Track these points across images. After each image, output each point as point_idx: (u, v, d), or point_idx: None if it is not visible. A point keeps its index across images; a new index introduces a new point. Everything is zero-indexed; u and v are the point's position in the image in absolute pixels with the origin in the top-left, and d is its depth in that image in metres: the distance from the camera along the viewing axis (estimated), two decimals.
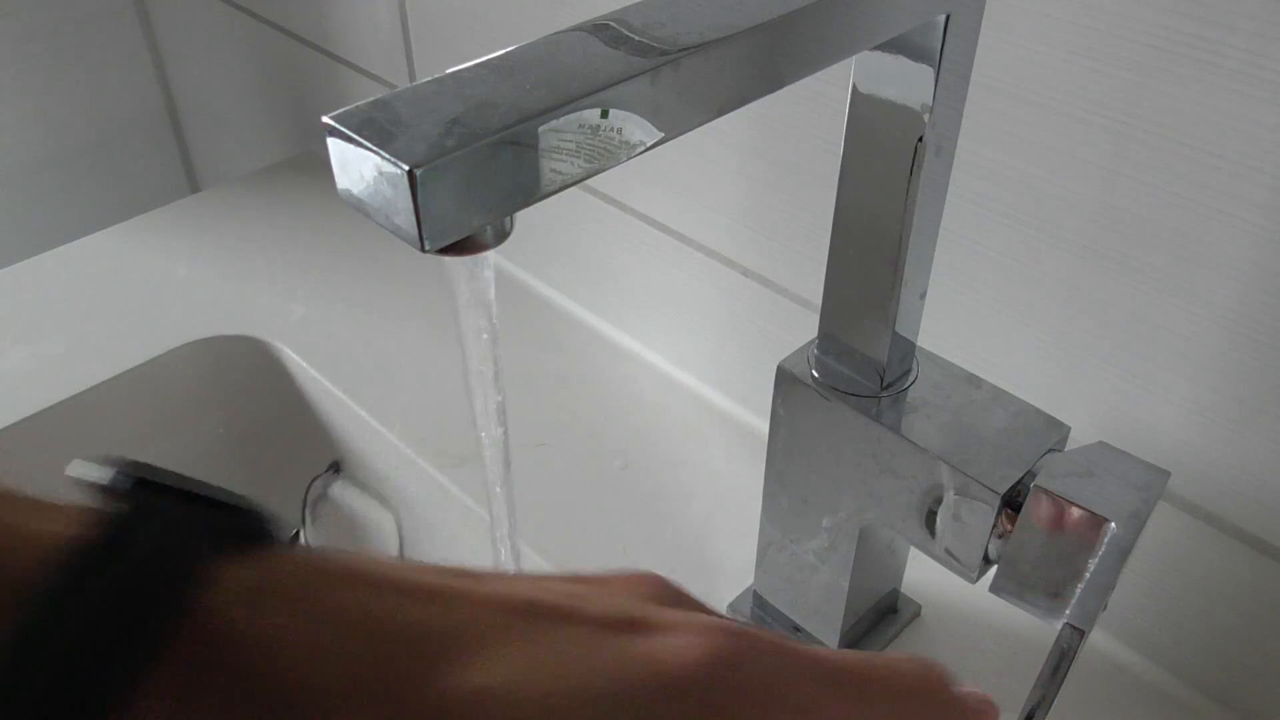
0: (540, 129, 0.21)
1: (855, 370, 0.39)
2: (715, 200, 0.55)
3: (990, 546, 0.36)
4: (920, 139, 0.33)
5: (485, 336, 0.25)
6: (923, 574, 0.49)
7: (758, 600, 0.48)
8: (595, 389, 0.63)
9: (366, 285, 0.71)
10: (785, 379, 0.40)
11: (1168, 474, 0.34)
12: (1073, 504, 0.33)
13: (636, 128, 0.23)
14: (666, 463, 0.58)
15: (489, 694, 0.18)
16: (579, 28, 0.24)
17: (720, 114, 0.25)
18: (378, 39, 0.73)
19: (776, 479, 0.43)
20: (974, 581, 0.37)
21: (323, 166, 0.83)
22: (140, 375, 0.64)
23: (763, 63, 0.25)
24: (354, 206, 0.21)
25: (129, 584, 0.17)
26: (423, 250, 0.21)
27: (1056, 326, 0.43)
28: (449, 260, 0.22)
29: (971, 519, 0.36)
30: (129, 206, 0.83)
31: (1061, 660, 0.31)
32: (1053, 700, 0.31)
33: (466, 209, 0.21)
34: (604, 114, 0.22)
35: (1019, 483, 0.35)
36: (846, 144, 0.35)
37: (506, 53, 0.23)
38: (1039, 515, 0.34)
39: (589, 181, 0.57)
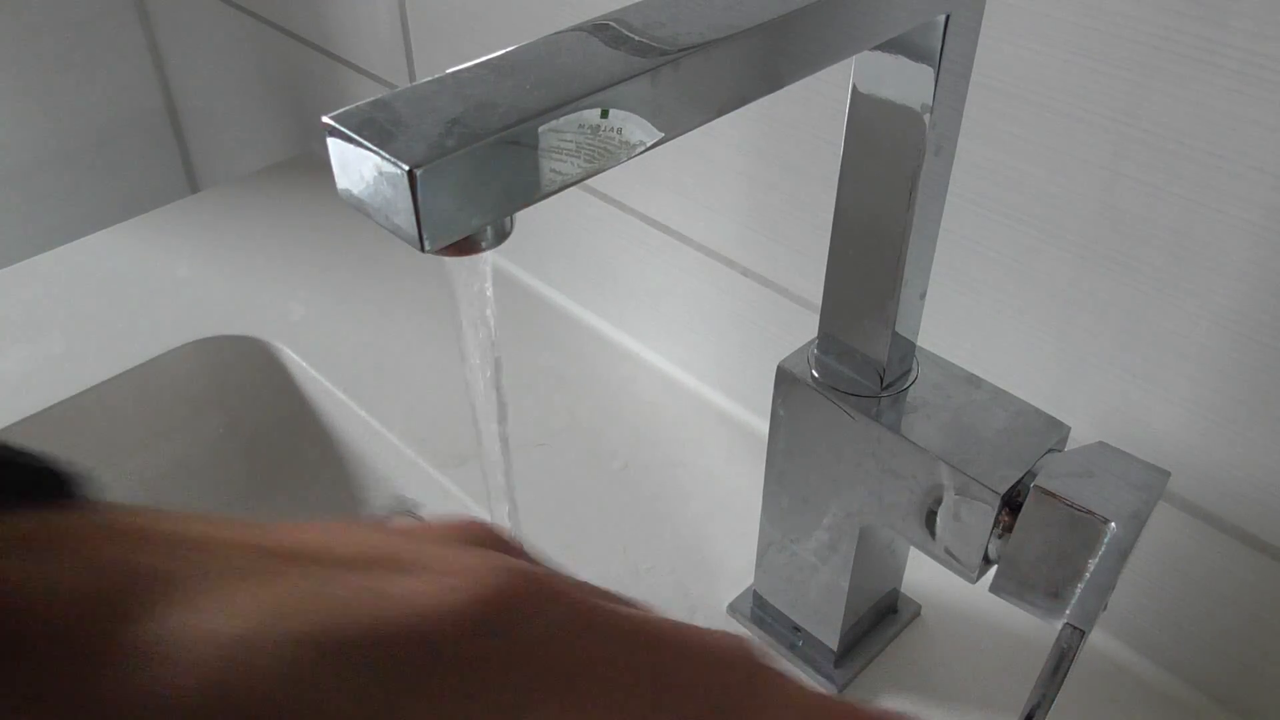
0: (540, 129, 0.21)
1: (855, 370, 0.39)
2: (715, 200, 0.55)
3: (990, 546, 0.36)
4: (921, 139, 0.33)
5: (485, 336, 0.25)
6: (923, 574, 0.49)
7: (758, 600, 0.48)
8: (595, 389, 0.63)
9: (366, 285, 0.71)
10: (785, 379, 0.40)
11: (1168, 474, 0.34)
12: (1073, 504, 0.33)
13: (636, 128, 0.23)
14: (666, 463, 0.58)
15: (183, 633, 0.17)
16: (579, 28, 0.24)
17: (720, 114, 0.25)
18: (378, 39, 0.73)
19: (776, 479, 0.43)
20: (974, 581, 0.37)
21: (323, 166, 0.83)
22: (140, 375, 0.64)
23: (763, 63, 0.25)
24: (354, 206, 0.21)
25: None
26: (423, 250, 0.21)
27: (1056, 326, 0.43)
28: (449, 260, 0.22)
29: (971, 519, 0.36)
30: (129, 206, 0.83)
31: (1061, 660, 0.31)
32: (1053, 700, 0.31)
33: (466, 209, 0.21)
34: (604, 114, 0.22)
35: (1019, 483, 0.35)
36: (846, 144, 0.35)
37: (506, 53, 0.23)
38: (1039, 515, 0.34)
39: (589, 181, 0.57)
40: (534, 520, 0.53)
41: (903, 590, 0.49)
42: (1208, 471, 0.41)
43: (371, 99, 0.21)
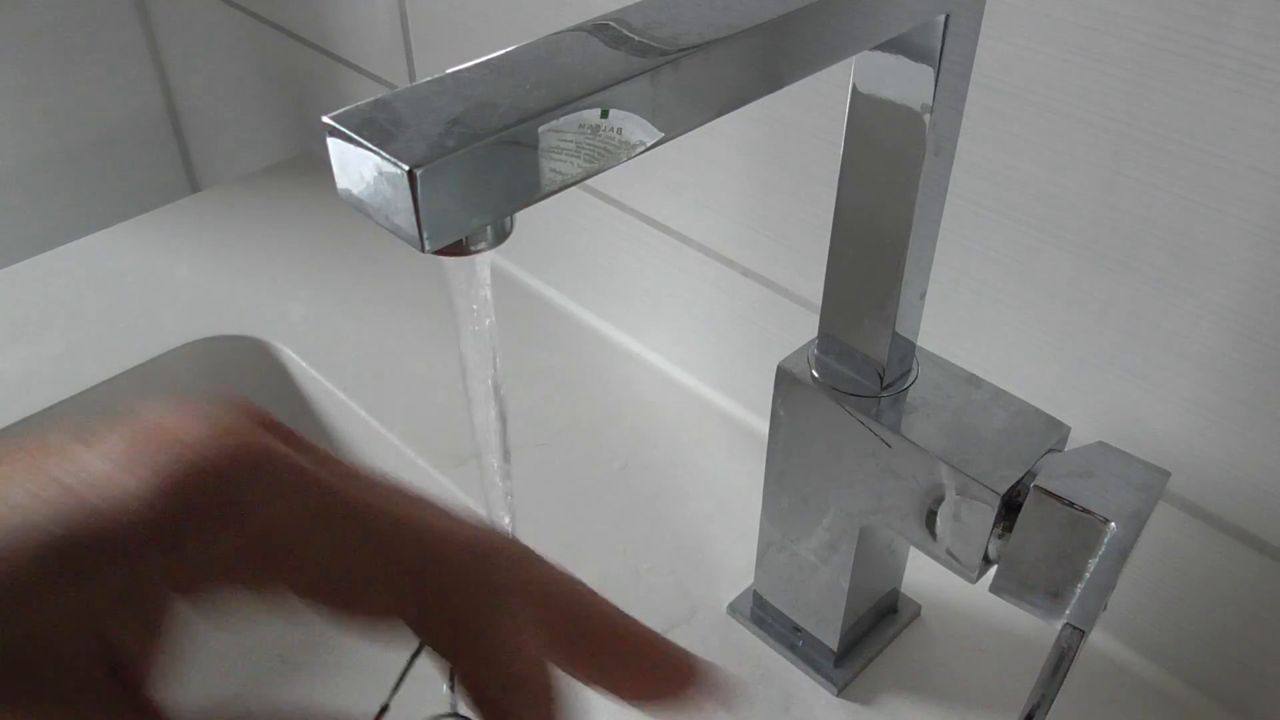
0: (540, 129, 0.21)
1: (855, 370, 0.39)
2: (715, 200, 0.55)
3: (990, 546, 0.36)
4: (921, 139, 0.33)
5: (485, 336, 0.25)
6: (923, 574, 0.49)
7: (758, 600, 0.48)
8: (595, 389, 0.63)
9: (366, 285, 0.71)
10: (785, 379, 0.40)
11: (1168, 474, 0.34)
12: (1073, 504, 0.33)
13: (636, 128, 0.23)
14: (666, 463, 0.58)
15: None
16: (579, 28, 0.24)
17: (720, 114, 0.25)
18: (377, 39, 0.73)
19: (776, 479, 0.43)
20: (974, 581, 0.37)
21: (323, 166, 0.83)
22: (140, 375, 0.64)
23: (763, 63, 0.25)
24: (354, 206, 0.21)
25: None
26: (423, 250, 0.21)
27: (1056, 326, 0.43)
28: (448, 260, 0.22)
29: (971, 519, 0.36)
30: (129, 206, 0.83)
31: (1061, 660, 0.31)
32: (1053, 700, 0.31)
33: (466, 209, 0.21)
34: (604, 114, 0.22)
35: (1019, 483, 0.35)
36: (846, 144, 0.35)
37: (506, 53, 0.23)
38: (1039, 515, 0.34)
39: (589, 181, 0.57)
40: (534, 520, 0.53)
41: (903, 590, 0.49)
42: (1208, 471, 0.41)
43: (371, 99, 0.21)
